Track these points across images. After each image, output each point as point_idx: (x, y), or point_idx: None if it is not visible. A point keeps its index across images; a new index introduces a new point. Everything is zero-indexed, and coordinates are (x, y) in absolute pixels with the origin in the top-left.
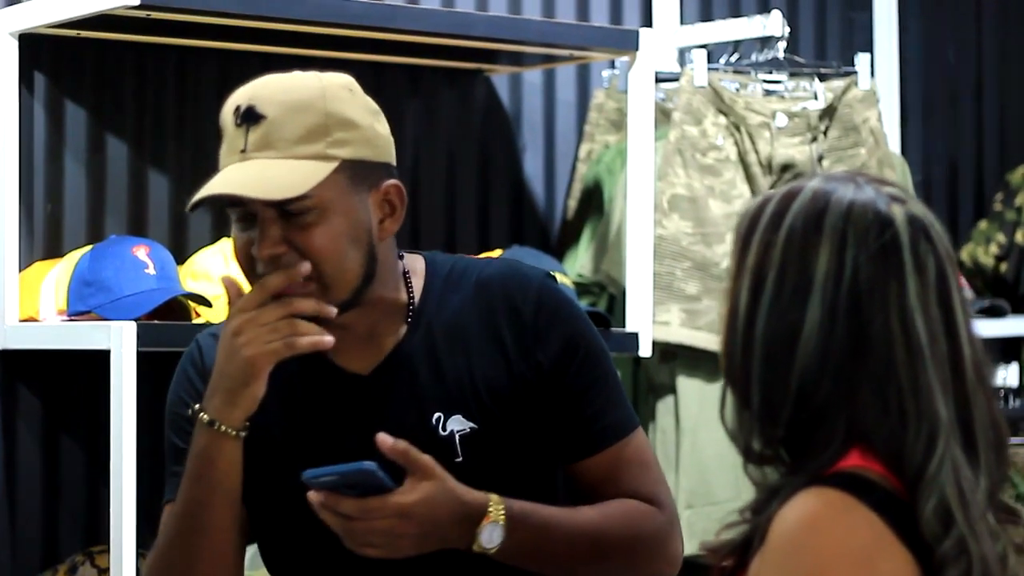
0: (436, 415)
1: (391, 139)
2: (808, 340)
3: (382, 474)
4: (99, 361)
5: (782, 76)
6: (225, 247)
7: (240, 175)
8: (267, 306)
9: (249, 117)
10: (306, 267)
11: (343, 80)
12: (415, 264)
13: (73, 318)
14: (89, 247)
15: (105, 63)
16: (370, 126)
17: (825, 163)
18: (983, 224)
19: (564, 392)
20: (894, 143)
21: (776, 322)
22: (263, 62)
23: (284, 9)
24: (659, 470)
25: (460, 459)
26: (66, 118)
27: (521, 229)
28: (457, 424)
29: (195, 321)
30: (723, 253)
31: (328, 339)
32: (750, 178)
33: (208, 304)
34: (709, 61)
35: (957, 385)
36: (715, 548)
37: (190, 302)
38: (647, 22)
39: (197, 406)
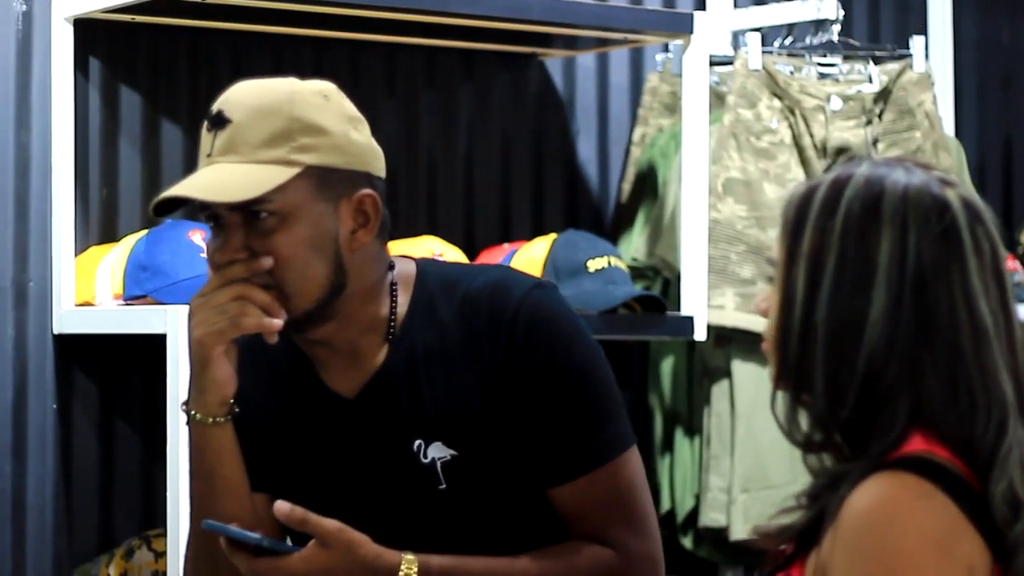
0: (417, 442)
1: (372, 147)
2: (875, 325)
3: (270, 545)
4: (155, 345)
5: (836, 59)
6: None
7: (199, 179)
8: (219, 289)
9: (217, 122)
10: (267, 261)
11: (319, 86)
12: (406, 274)
13: (129, 302)
14: (145, 232)
15: (159, 48)
16: (343, 133)
17: (880, 146)
18: None
19: (535, 414)
20: (948, 126)
21: (841, 308)
22: (316, 47)
23: None
24: (638, 503)
25: (444, 486)
26: (121, 103)
27: (575, 213)
28: (438, 451)
29: None
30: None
31: (276, 322)
32: (804, 161)
33: None
34: (763, 44)
35: (1014, 366)
36: (769, 533)
37: None
38: (700, 5)
39: (184, 406)
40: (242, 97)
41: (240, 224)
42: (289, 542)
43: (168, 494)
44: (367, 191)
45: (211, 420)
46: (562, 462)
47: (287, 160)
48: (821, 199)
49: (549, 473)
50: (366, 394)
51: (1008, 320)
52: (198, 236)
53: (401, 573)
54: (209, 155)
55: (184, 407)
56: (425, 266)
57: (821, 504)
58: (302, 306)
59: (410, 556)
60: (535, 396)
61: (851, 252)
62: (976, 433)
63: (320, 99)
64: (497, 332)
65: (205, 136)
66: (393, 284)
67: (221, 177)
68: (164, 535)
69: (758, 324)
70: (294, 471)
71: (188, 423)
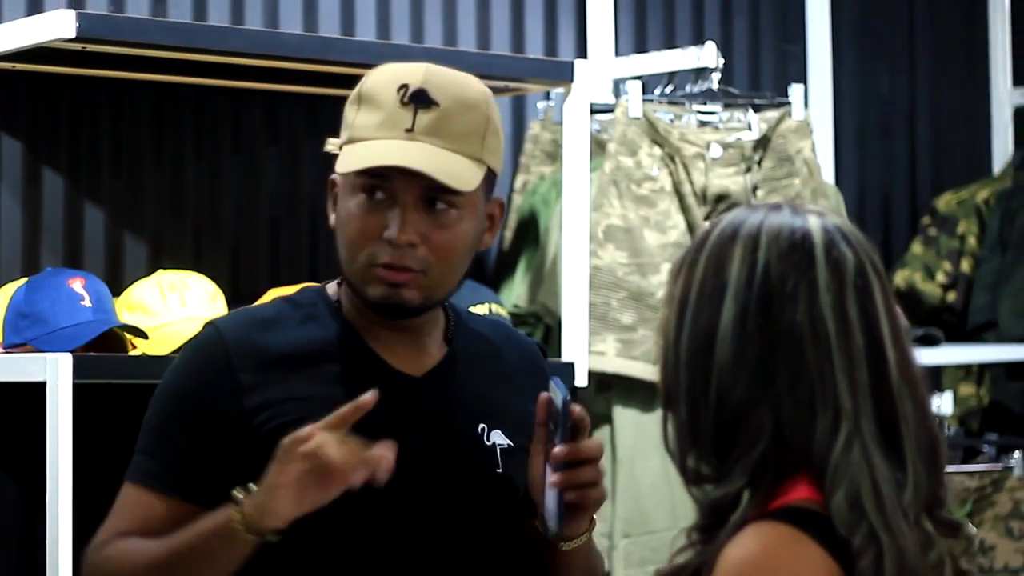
0: (481, 425)
1: None
2: (723, 340)
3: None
4: (35, 393)
5: (716, 107)
6: (162, 279)
7: (418, 154)
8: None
9: (420, 99)
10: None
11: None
12: None
13: (8, 350)
14: (24, 279)
15: (40, 96)
16: (502, 140)
17: (759, 193)
18: (917, 248)
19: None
20: (828, 173)
21: (697, 326)
22: (198, 94)
23: (218, 42)
24: None
25: (500, 470)
26: (1, 150)
27: None
28: (499, 438)
29: (131, 353)
30: (658, 283)
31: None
32: (685, 208)
33: (144, 336)
34: (644, 92)
35: (878, 383)
36: (668, 574)
37: (126, 334)
38: (582, 54)
39: (241, 495)
40: (444, 83)
41: (419, 208)
42: None
43: (47, 544)
44: (498, 197)
45: (251, 537)
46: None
47: (479, 158)
48: (694, 244)
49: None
50: (434, 375)
51: (873, 338)
52: (78, 284)
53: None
54: (410, 130)
55: (238, 506)
56: None
57: (710, 541)
58: (438, 295)
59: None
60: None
61: (708, 277)
62: (813, 440)
63: (495, 104)
64: (533, 359)
65: (398, 108)
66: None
67: (441, 160)
68: None
69: (638, 370)
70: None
71: (235, 525)
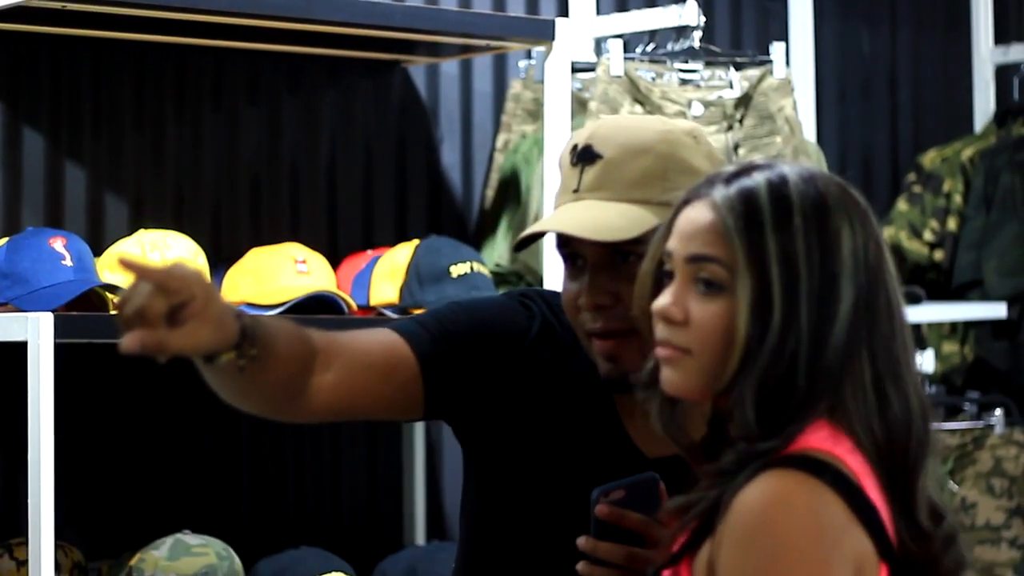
0: (595, 492)
1: None
2: (844, 319)
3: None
4: (16, 353)
5: (698, 65)
6: (143, 238)
7: (569, 215)
8: None
9: (585, 156)
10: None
11: (687, 126)
12: None
13: None
14: (5, 239)
15: (20, 56)
16: (703, 173)
17: (740, 151)
18: (902, 206)
19: None
20: (809, 131)
21: (816, 306)
22: (179, 54)
23: (200, 1)
24: None
25: None
26: None
27: (439, 219)
28: None
29: (112, 312)
30: None
31: None
32: None
33: None
34: (625, 51)
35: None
36: (682, 506)
37: (107, 293)
38: (563, 12)
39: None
40: (612, 133)
41: (607, 265)
42: None
43: (30, 502)
44: None
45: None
46: None
47: (660, 200)
48: (768, 200)
49: None
50: (671, 460)
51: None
52: (59, 243)
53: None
54: (576, 191)
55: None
56: None
57: (720, 488)
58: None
59: None
60: None
61: (817, 249)
62: (899, 439)
63: (690, 139)
64: None
65: (570, 171)
66: None
67: (595, 214)
68: (26, 543)
69: None
70: (567, 507)
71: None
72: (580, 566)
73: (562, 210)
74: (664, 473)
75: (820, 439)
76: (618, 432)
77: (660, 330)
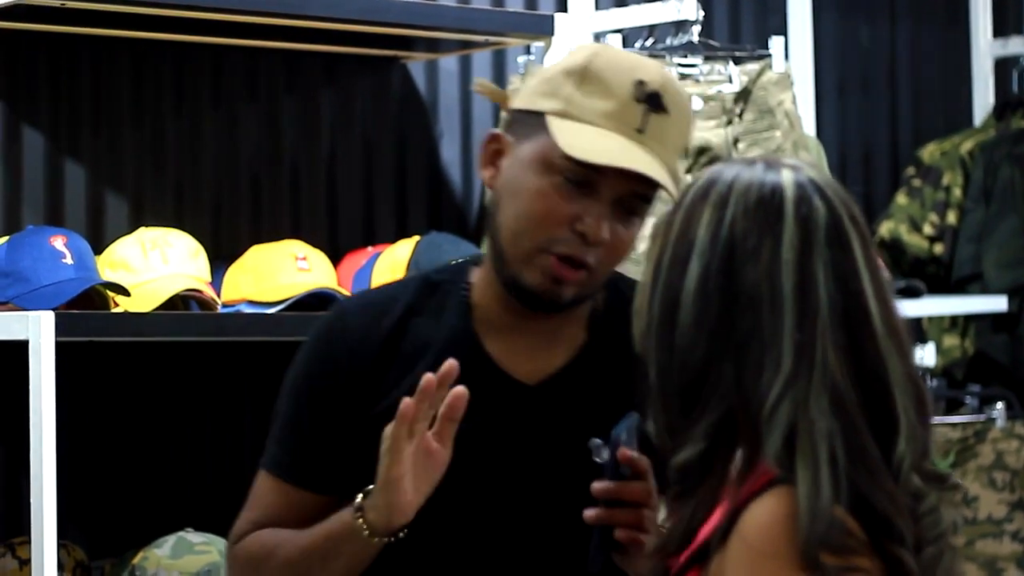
0: (594, 441)
1: None
2: (686, 301)
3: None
4: (18, 352)
5: (697, 60)
6: (144, 236)
7: (651, 162)
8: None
9: (655, 102)
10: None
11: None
12: None
13: None
14: (5, 238)
15: (19, 54)
16: None
17: (741, 146)
18: (902, 200)
19: None
20: (809, 125)
21: (664, 291)
22: (177, 51)
23: None
24: None
25: None
26: None
27: (439, 215)
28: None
29: (113, 310)
30: (639, 237)
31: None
32: None
33: (126, 293)
34: (624, 45)
35: (859, 339)
36: (656, 550)
37: (108, 291)
38: (562, 7)
39: (360, 499)
40: (676, 92)
41: (616, 207)
42: None
43: (32, 501)
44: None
45: (378, 540)
46: None
47: (676, 170)
48: (673, 204)
49: None
50: (551, 384)
51: (851, 294)
52: (59, 241)
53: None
54: (640, 130)
55: (359, 513)
56: (618, 274)
57: (689, 510)
58: (589, 291)
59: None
60: None
61: (679, 235)
62: (754, 397)
63: None
64: None
65: (631, 102)
66: None
67: (662, 169)
68: (28, 542)
69: None
70: (462, 459)
71: (353, 525)
72: (592, 513)
73: (631, 147)
74: (546, 397)
75: None
76: (490, 369)
77: None
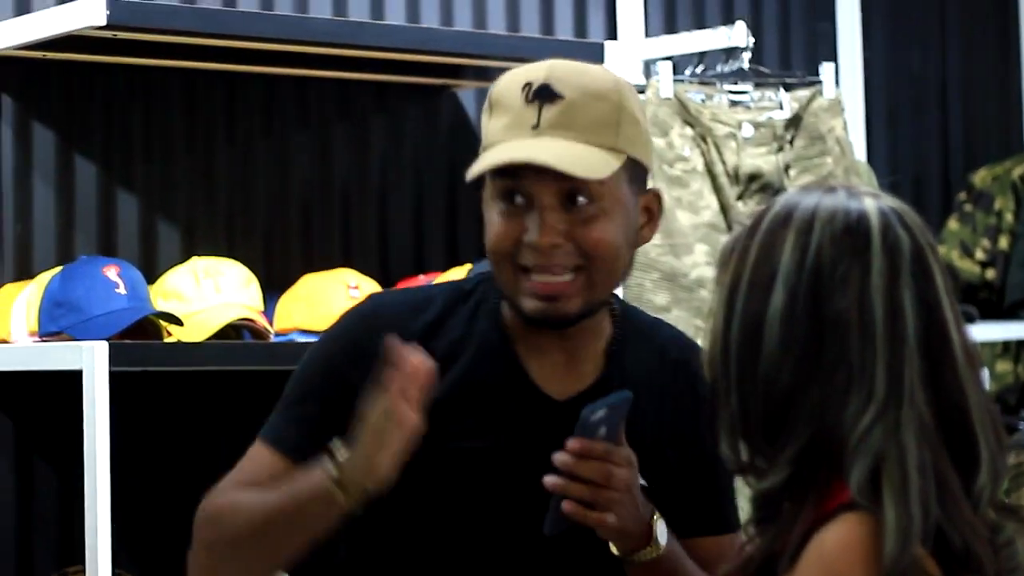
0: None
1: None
2: (772, 326)
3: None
4: (71, 382)
5: (747, 86)
6: (196, 265)
7: (542, 149)
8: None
9: (544, 95)
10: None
11: (627, 80)
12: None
13: (44, 339)
14: (59, 268)
15: (72, 84)
16: (646, 129)
17: (792, 172)
18: (953, 225)
19: (708, 470)
20: (860, 151)
21: (745, 317)
22: (229, 81)
23: (248, 27)
24: None
25: None
26: (34, 140)
27: None
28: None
29: (166, 340)
30: (691, 264)
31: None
32: (717, 188)
33: (179, 323)
34: (674, 73)
35: (940, 369)
36: (734, 571)
37: (161, 321)
38: (612, 35)
39: (334, 456)
40: (568, 75)
41: (558, 207)
42: None
43: (86, 529)
44: (654, 188)
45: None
46: (722, 517)
47: (615, 147)
48: (745, 229)
49: (711, 523)
50: (580, 400)
51: (933, 323)
52: (113, 271)
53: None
54: (536, 127)
55: (335, 466)
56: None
57: (770, 536)
58: (599, 296)
59: None
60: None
61: (760, 260)
62: (843, 424)
63: (632, 92)
64: (693, 388)
65: (523, 106)
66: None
67: (569, 152)
68: (83, 571)
69: None
70: (488, 469)
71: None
72: (552, 480)
73: (525, 144)
74: (575, 413)
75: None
76: (523, 382)
77: None
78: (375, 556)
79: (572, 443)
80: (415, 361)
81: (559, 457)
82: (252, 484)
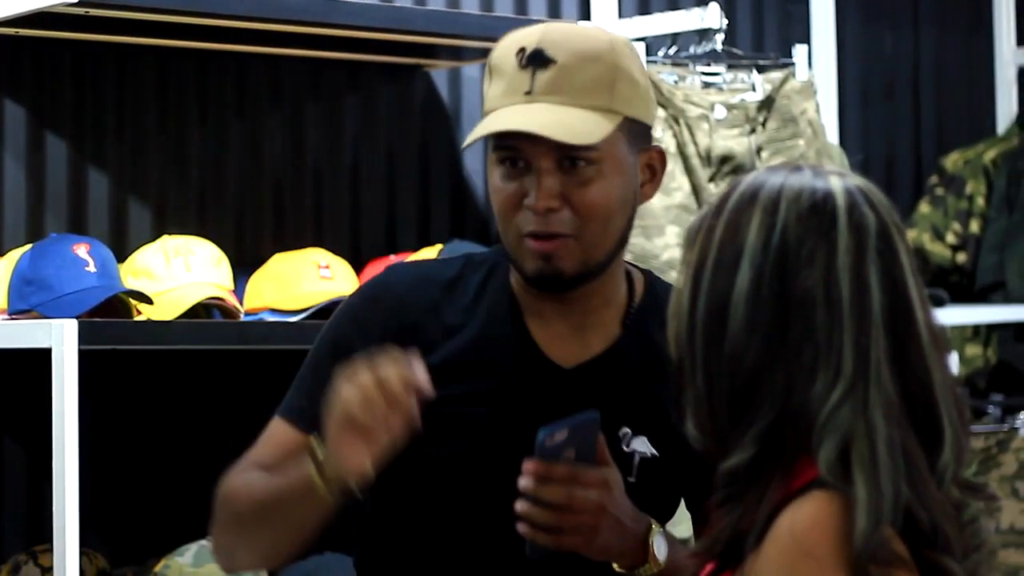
0: (623, 430)
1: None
2: (737, 305)
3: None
4: (40, 360)
5: (720, 68)
6: (167, 244)
7: (533, 116)
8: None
9: (537, 60)
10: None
11: (624, 38)
12: (637, 269)
13: (14, 317)
14: (29, 246)
15: (43, 61)
16: (646, 86)
17: (764, 154)
18: (924, 208)
19: None
20: (832, 134)
21: (711, 296)
22: (201, 59)
23: (221, 5)
24: None
25: (633, 479)
26: (5, 117)
27: (462, 223)
28: (641, 445)
29: (136, 318)
30: (663, 245)
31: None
32: (689, 170)
33: (149, 301)
34: (647, 54)
35: (905, 348)
36: (700, 551)
37: (131, 300)
38: (585, 15)
39: (317, 442)
40: (561, 39)
41: (554, 170)
42: None
43: (54, 509)
44: (656, 145)
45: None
46: None
47: (610, 108)
48: (711, 208)
49: None
50: (587, 369)
51: (900, 299)
52: (83, 249)
53: (651, 521)
54: (529, 92)
55: (313, 461)
56: (653, 274)
57: (736, 514)
58: (596, 258)
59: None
60: None
61: (726, 240)
62: (810, 401)
63: (630, 50)
64: None
65: (517, 72)
66: (627, 267)
67: (560, 118)
68: (51, 550)
69: None
70: (492, 435)
71: (312, 476)
72: (519, 505)
73: (518, 111)
74: (581, 381)
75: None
76: (530, 349)
77: None
78: (383, 524)
79: (529, 465)
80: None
81: (520, 481)
82: (268, 460)
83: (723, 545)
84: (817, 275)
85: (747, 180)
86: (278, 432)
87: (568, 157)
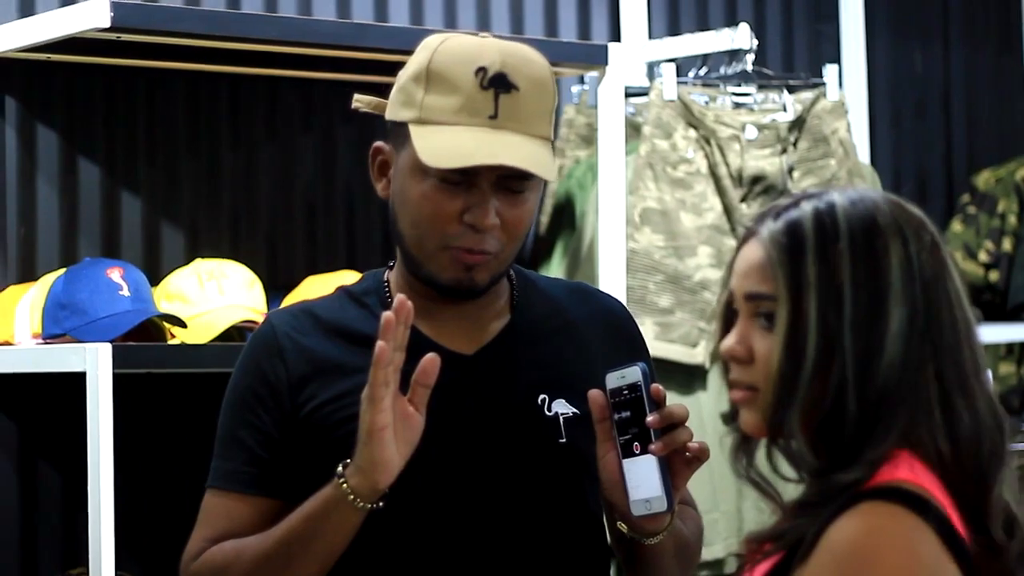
0: (541, 396)
1: None
2: (894, 341)
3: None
4: (75, 384)
5: (751, 88)
6: (200, 267)
7: (512, 148)
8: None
9: (500, 84)
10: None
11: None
12: None
13: (48, 341)
14: (63, 270)
15: (75, 86)
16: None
17: (795, 174)
18: (957, 227)
19: None
20: (863, 153)
21: (863, 330)
22: (232, 82)
23: (252, 29)
24: None
25: (564, 440)
26: (38, 141)
27: None
28: (561, 407)
29: (170, 342)
30: (695, 266)
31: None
32: (721, 191)
33: (183, 324)
34: (678, 75)
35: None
36: (765, 536)
37: (165, 323)
38: (616, 37)
39: (341, 468)
40: (519, 63)
41: (496, 191)
42: None
43: (90, 531)
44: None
45: (364, 504)
46: None
47: (548, 136)
48: (812, 229)
49: None
50: (487, 352)
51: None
52: (116, 273)
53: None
54: (494, 116)
55: (342, 480)
56: None
57: (807, 520)
58: (504, 271)
59: None
60: None
61: (863, 271)
62: (969, 454)
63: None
64: (617, 324)
65: (478, 92)
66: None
67: (530, 150)
68: (86, 573)
69: (676, 353)
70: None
71: (337, 494)
72: (658, 445)
73: (489, 139)
74: (487, 362)
75: (905, 469)
76: (430, 347)
77: (731, 371)
78: None
79: (653, 418)
80: (429, 358)
81: (653, 419)
82: (225, 535)
83: (788, 544)
84: (955, 308)
85: (844, 201)
86: (217, 504)
87: (508, 179)
